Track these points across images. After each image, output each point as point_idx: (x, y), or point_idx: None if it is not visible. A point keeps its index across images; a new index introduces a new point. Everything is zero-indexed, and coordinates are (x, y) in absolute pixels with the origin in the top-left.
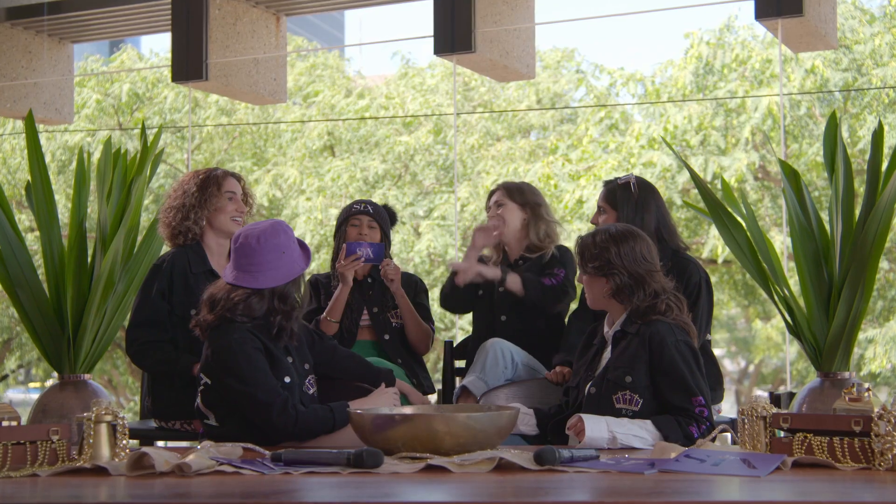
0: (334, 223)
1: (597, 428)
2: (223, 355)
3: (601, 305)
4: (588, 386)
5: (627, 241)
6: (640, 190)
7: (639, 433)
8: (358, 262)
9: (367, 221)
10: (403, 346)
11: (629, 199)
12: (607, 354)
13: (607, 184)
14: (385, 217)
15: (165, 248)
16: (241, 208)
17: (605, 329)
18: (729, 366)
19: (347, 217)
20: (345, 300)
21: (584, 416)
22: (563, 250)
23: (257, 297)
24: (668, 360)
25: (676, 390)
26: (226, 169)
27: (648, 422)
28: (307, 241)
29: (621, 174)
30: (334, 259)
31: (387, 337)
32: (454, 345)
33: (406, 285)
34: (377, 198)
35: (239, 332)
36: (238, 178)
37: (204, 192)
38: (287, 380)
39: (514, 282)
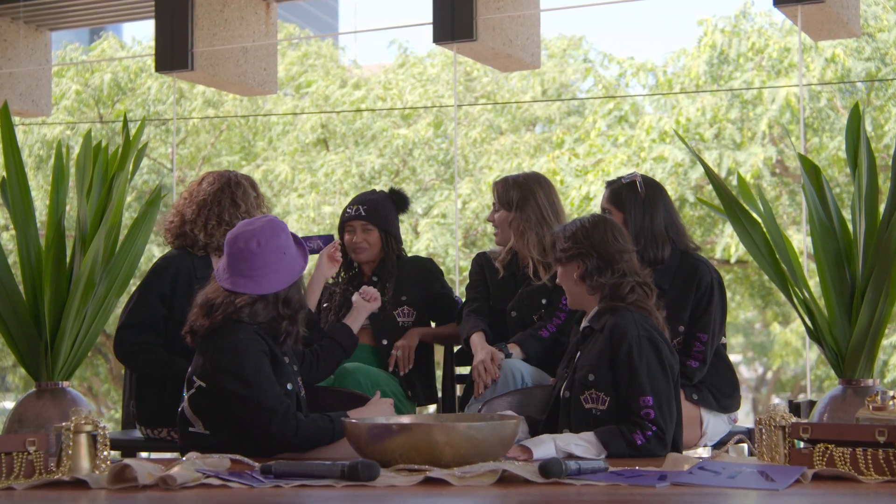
0: (328, 222)
1: (539, 443)
2: (226, 356)
3: (577, 297)
4: (562, 389)
5: (597, 225)
6: (647, 188)
7: (579, 443)
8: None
9: (360, 226)
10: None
11: (636, 198)
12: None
13: (611, 184)
14: (384, 214)
15: (155, 250)
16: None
17: (582, 325)
18: (745, 372)
19: (343, 223)
20: (318, 288)
21: (525, 442)
22: None
23: (262, 302)
24: (625, 353)
25: (628, 386)
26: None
27: (591, 433)
28: None
29: (629, 171)
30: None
31: (385, 342)
32: (455, 350)
33: (419, 273)
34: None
35: (246, 333)
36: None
37: (258, 196)
38: (289, 387)
39: (516, 353)
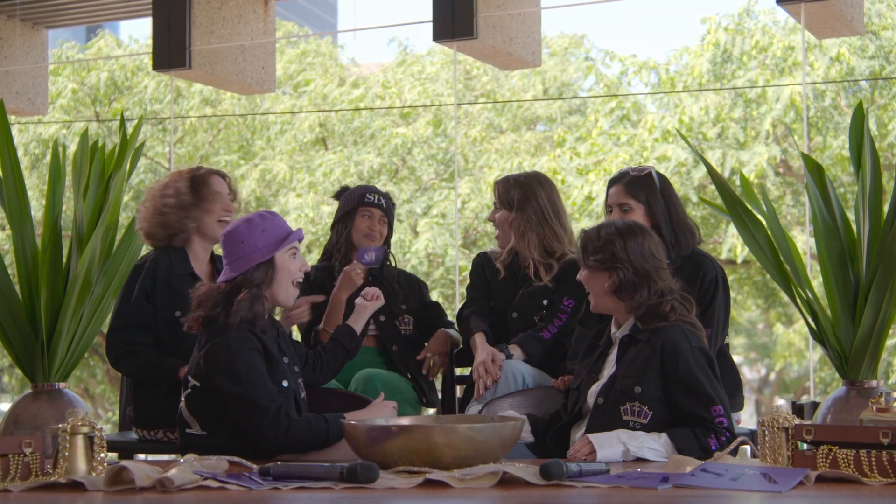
0: (327, 221)
1: (607, 443)
2: (219, 354)
3: (603, 305)
4: (595, 396)
5: (635, 235)
6: (660, 180)
7: (653, 446)
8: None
9: (379, 216)
10: (413, 357)
11: (654, 190)
12: (612, 358)
13: (619, 179)
14: (393, 213)
15: (146, 249)
16: (227, 206)
17: (612, 330)
18: (748, 373)
19: (357, 206)
20: (340, 308)
21: (592, 437)
22: (575, 269)
23: (233, 291)
24: (684, 368)
25: (694, 399)
26: (209, 168)
27: (664, 435)
28: None
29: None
30: (328, 252)
31: (395, 348)
32: (454, 351)
33: (411, 285)
34: None
35: (237, 331)
36: (223, 175)
37: (197, 192)
38: (285, 384)
39: (517, 354)
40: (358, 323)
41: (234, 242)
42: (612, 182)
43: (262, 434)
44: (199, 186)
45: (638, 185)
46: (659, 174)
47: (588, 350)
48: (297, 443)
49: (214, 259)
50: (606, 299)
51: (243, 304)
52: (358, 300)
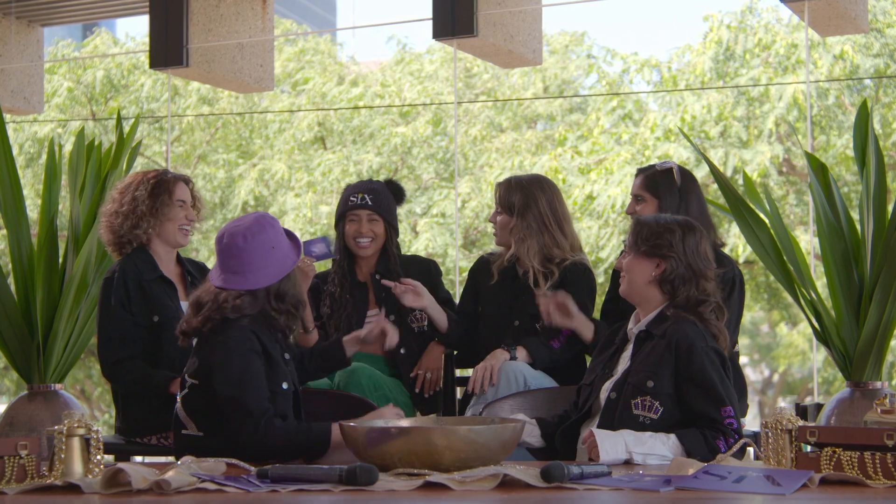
0: (325, 221)
1: (613, 450)
2: (215, 353)
3: (637, 293)
4: (609, 391)
5: (694, 232)
6: (682, 177)
7: (660, 450)
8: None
9: (366, 216)
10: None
11: (672, 186)
12: (627, 355)
13: (644, 171)
14: (388, 204)
15: None
16: (190, 215)
17: (630, 326)
18: (752, 375)
19: (344, 212)
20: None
21: (597, 432)
22: (576, 272)
23: (249, 297)
24: (698, 366)
25: (705, 399)
26: (175, 172)
27: (673, 436)
28: None
29: (634, 167)
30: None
31: (403, 351)
32: (454, 354)
33: (423, 276)
34: None
35: (237, 331)
36: (187, 181)
37: (156, 200)
38: (284, 386)
39: (522, 356)
40: (350, 350)
41: (261, 248)
42: (637, 172)
43: (240, 437)
44: (161, 194)
45: (653, 179)
46: (684, 171)
47: (603, 346)
48: (273, 451)
49: (182, 261)
50: (644, 288)
51: (245, 304)
52: (364, 333)
